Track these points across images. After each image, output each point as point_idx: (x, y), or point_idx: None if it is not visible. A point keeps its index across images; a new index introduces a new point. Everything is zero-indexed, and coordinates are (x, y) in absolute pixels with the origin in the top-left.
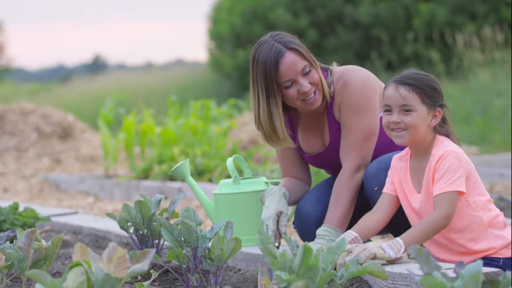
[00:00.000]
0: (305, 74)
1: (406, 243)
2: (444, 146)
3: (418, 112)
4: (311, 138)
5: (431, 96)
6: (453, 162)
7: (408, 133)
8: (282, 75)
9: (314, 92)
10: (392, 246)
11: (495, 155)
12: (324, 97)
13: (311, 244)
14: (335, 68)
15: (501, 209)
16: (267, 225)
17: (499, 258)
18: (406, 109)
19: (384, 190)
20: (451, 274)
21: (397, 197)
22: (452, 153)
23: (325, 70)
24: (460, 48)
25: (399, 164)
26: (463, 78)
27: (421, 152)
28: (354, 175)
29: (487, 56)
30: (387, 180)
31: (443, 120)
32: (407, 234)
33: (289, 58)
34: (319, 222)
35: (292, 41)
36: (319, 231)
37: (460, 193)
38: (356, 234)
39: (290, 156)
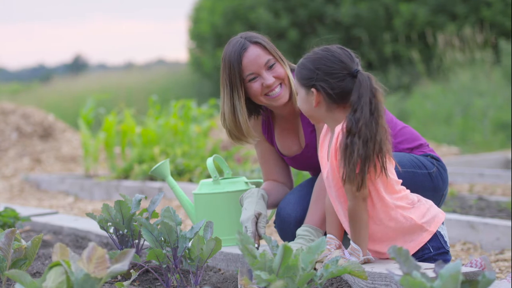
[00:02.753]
0: (269, 68)
1: (360, 245)
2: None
3: (298, 95)
4: (288, 140)
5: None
6: None
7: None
8: (245, 68)
9: (281, 86)
10: (352, 253)
11: (476, 155)
12: (291, 94)
13: (291, 244)
14: None
15: (481, 209)
16: (245, 227)
17: (427, 246)
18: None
19: None
20: (431, 274)
21: None
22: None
23: None
24: (441, 48)
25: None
26: (444, 78)
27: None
28: None
29: (467, 56)
30: None
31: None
32: (353, 238)
33: (252, 51)
34: (300, 223)
35: (257, 36)
36: (299, 231)
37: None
38: (334, 237)
39: (271, 159)
